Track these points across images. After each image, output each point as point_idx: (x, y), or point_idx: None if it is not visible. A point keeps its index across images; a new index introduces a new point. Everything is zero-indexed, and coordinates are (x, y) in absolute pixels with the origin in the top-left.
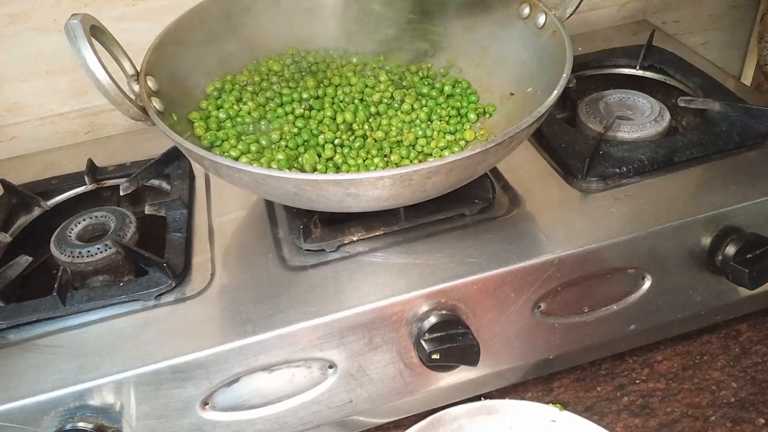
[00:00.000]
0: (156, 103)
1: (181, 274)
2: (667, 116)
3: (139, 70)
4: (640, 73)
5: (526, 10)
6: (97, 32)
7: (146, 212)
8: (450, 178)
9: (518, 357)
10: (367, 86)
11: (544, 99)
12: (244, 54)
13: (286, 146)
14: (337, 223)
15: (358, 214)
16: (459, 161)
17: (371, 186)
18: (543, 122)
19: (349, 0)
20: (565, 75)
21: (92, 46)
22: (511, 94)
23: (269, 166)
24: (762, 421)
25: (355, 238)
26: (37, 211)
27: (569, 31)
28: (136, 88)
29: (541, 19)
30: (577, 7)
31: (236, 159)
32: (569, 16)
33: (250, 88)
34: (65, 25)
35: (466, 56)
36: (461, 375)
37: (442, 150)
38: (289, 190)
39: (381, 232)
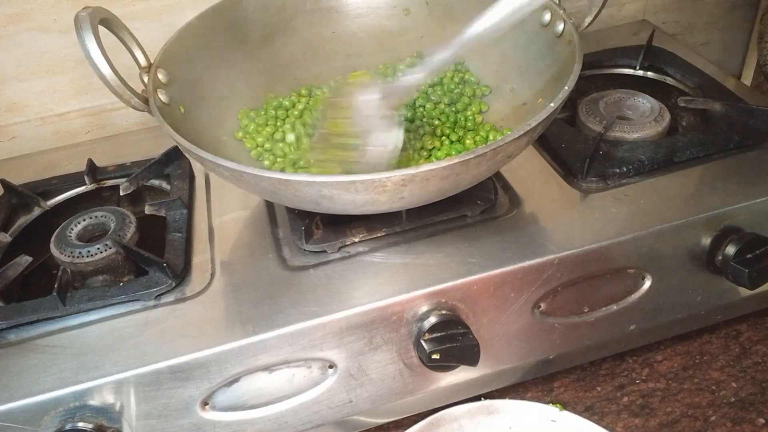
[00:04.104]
0: (161, 95)
1: (181, 274)
2: (667, 116)
3: (152, 62)
4: (640, 73)
5: (547, 17)
6: (110, 24)
7: (146, 212)
8: (428, 187)
9: (518, 357)
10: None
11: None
12: (268, 58)
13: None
14: (338, 224)
15: (360, 215)
16: (435, 170)
17: (344, 189)
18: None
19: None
20: (567, 88)
21: (97, 38)
22: (524, 104)
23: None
24: (762, 421)
25: (356, 239)
26: (37, 211)
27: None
28: (147, 79)
29: (560, 27)
30: (595, 17)
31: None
32: (587, 26)
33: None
34: (75, 16)
35: (485, 63)
36: (461, 375)
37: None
38: (265, 188)
39: (383, 233)
